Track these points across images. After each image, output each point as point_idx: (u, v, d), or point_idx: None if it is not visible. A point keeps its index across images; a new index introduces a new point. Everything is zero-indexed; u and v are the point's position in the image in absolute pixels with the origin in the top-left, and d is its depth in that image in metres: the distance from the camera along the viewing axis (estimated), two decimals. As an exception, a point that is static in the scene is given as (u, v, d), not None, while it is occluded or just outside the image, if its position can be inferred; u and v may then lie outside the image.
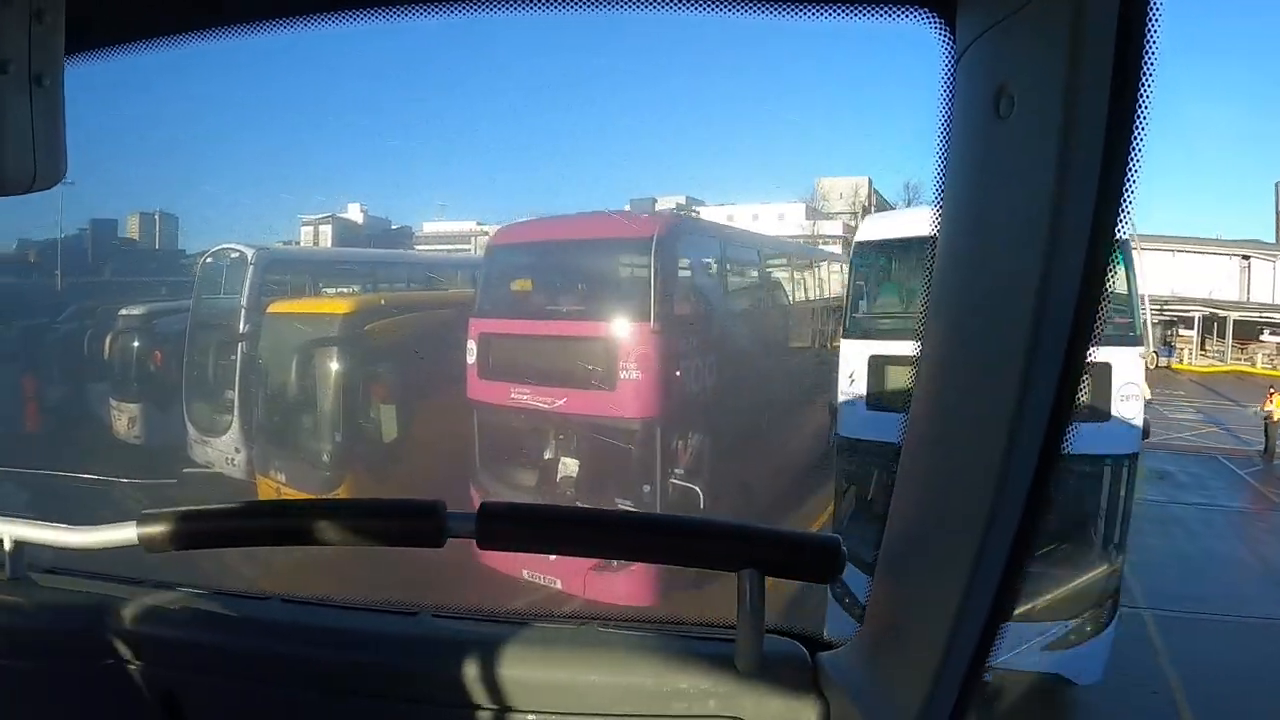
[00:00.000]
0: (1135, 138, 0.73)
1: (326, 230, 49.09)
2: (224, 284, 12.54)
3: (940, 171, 0.89)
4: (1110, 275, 0.78)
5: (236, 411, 11.28)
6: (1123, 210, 0.75)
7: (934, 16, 0.86)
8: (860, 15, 0.90)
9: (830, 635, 1.20)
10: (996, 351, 0.84)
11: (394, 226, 50.88)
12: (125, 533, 1.17)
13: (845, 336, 7.84)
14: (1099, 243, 0.76)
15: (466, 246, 48.14)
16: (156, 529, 1.15)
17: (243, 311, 11.50)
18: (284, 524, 1.21)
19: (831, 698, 1.10)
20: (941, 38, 0.86)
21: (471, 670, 1.15)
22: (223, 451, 11.41)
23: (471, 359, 8.61)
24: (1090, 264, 0.76)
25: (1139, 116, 0.73)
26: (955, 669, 0.91)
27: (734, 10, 0.88)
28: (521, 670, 1.16)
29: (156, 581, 1.35)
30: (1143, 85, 0.72)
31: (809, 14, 0.90)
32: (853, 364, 7.46)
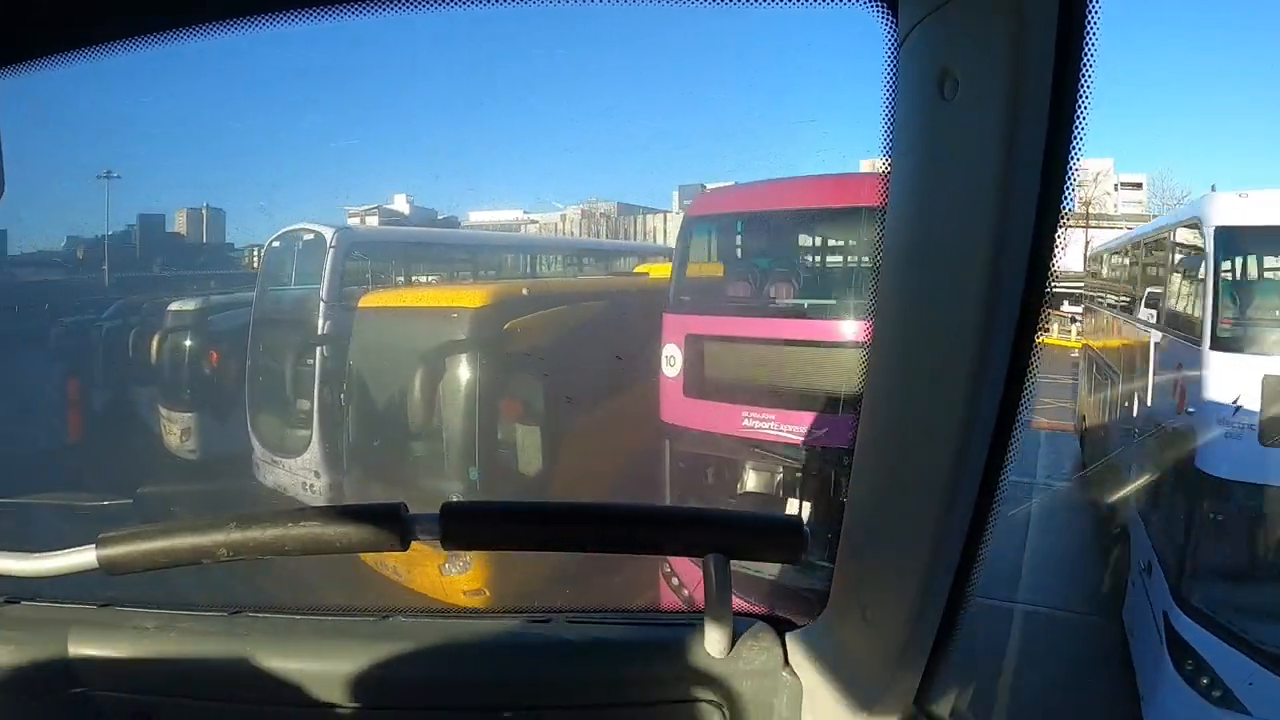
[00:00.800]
0: (1078, 117, 0.76)
1: (372, 222, 48.23)
2: (294, 272, 10.48)
3: (886, 156, 0.88)
4: (1058, 252, 0.80)
5: (316, 428, 9.33)
6: (1068, 188, 0.78)
7: (876, 2, 0.86)
8: (801, 1, 0.95)
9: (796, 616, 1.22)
10: (948, 333, 0.85)
11: (440, 216, 50.18)
12: (85, 557, 1.12)
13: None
14: (1046, 221, 0.78)
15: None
16: (116, 551, 1.11)
17: (322, 306, 9.49)
18: (246, 537, 1.09)
19: (803, 675, 1.12)
20: (884, 23, 0.86)
21: (444, 670, 1.17)
22: (298, 475, 9.45)
23: (673, 370, 6.16)
24: (1038, 244, 0.79)
25: (1082, 96, 0.75)
26: (921, 645, 0.95)
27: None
28: (494, 668, 1.17)
29: (124, 602, 1.31)
30: (1085, 65, 0.74)
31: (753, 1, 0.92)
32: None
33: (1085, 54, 0.73)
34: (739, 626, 1.14)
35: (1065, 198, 0.78)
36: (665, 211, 44.42)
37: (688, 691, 1.13)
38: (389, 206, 51.99)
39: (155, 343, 11.97)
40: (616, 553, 1.17)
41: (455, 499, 6.80)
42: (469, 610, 1.46)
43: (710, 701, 1.13)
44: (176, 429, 11.22)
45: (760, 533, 1.18)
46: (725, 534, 1.11)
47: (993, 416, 0.84)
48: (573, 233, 44.03)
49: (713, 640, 1.11)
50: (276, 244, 10.94)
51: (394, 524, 1.05)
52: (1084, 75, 0.74)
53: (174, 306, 12.05)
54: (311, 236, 10.24)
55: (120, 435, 11.78)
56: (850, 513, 1.06)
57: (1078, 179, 0.79)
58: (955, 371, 0.84)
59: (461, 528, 1.11)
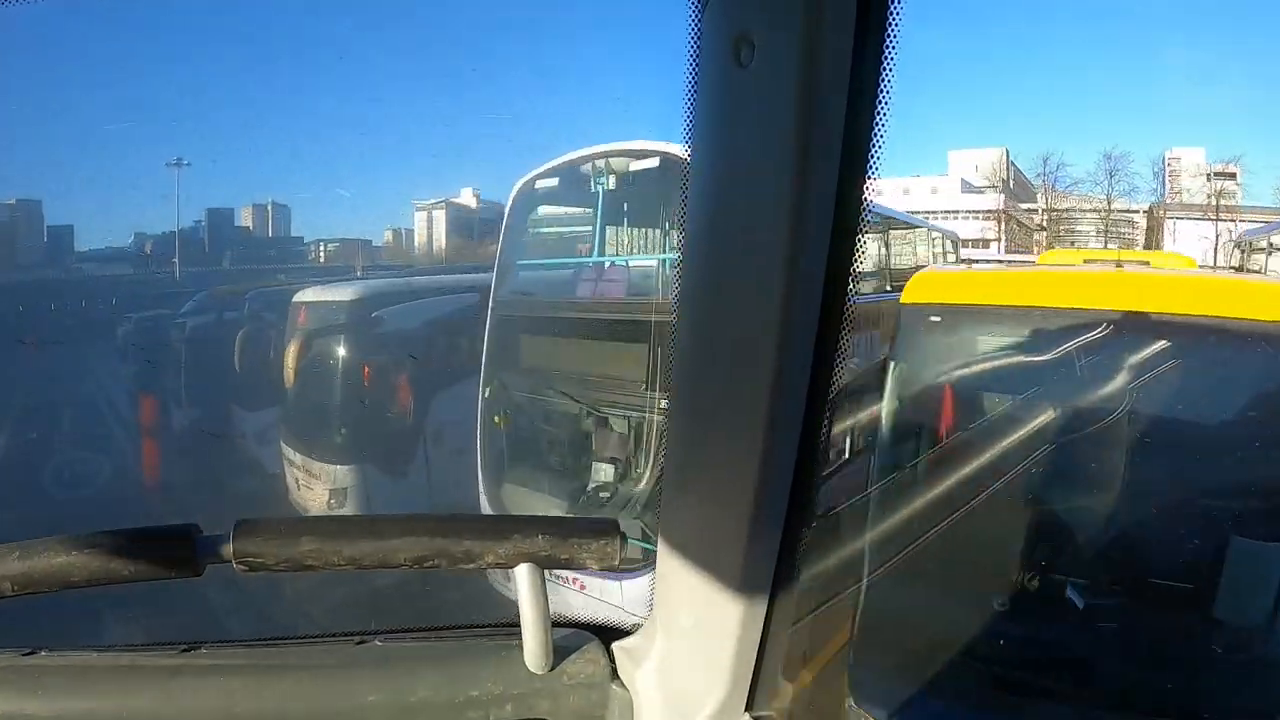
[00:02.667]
0: (882, 85, 0.74)
1: (439, 215, 46.94)
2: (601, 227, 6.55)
3: (688, 127, 0.85)
4: (862, 223, 0.78)
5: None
6: (872, 157, 0.76)
7: None
8: None
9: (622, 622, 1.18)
10: (749, 325, 0.84)
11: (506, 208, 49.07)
12: None
13: None
14: (848, 196, 0.77)
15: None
16: None
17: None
18: (29, 569, 1.00)
19: (632, 686, 1.09)
20: None
21: (250, 704, 1.06)
22: (613, 601, 5.08)
23: None
24: (840, 219, 0.77)
25: (885, 63, 0.73)
26: (746, 649, 0.95)
27: None
28: (305, 698, 1.09)
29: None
30: (889, 31, 0.72)
31: None
32: None
33: (889, 19, 0.71)
34: (562, 638, 1.11)
35: (870, 170, 0.76)
36: None
37: (512, 711, 1.08)
38: (456, 200, 50.64)
39: (280, 350, 8.24)
40: (425, 568, 1.04)
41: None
42: (280, 637, 1.19)
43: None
44: (322, 487, 7.41)
45: (573, 538, 1.07)
46: (535, 542, 1.04)
47: (799, 413, 0.83)
48: None
49: (533, 655, 1.07)
50: (541, 185, 6.82)
51: (184, 548, 0.99)
52: (887, 42, 0.72)
53: (307, 296, 8.40)
54: (649, 163, 6.02)
55: (219, 483, 7.89)
56: (664, 515, 1.04)
57: (883, 147, 0.76)
58: (757, 363, 0.82)
59: (255, 549, 1.02)
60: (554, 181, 7.09)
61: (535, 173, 6.98)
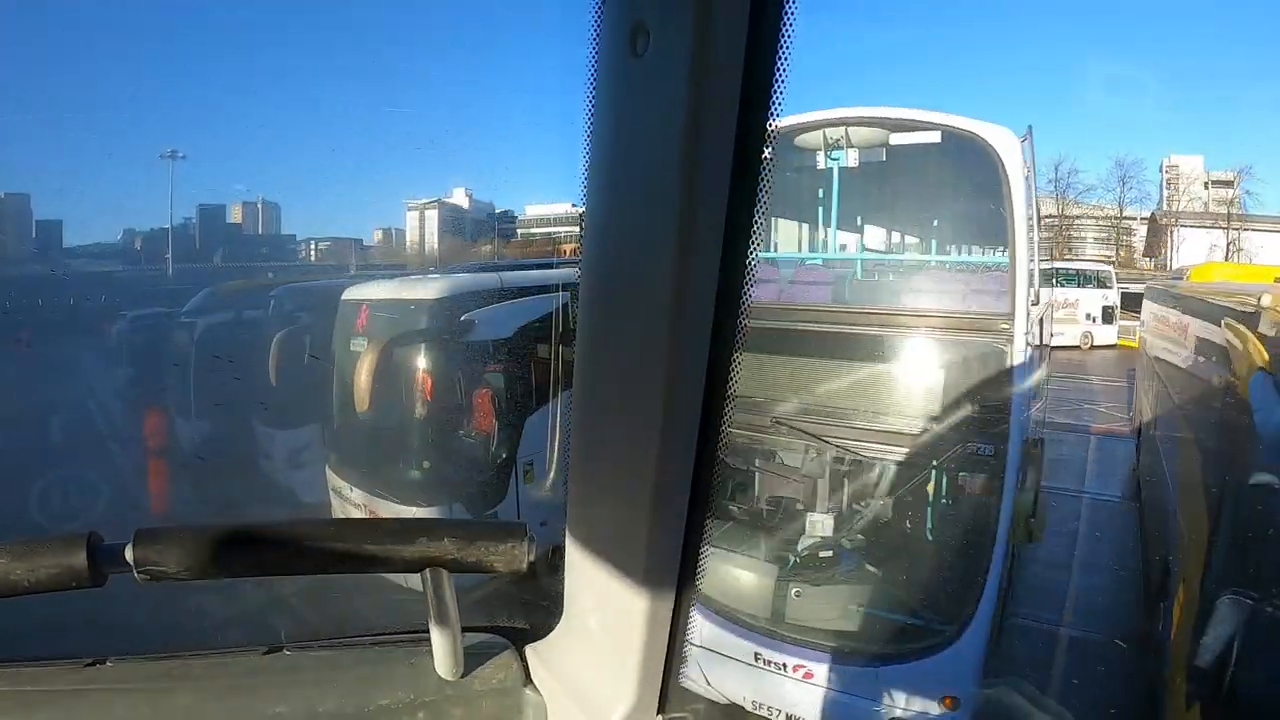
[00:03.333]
0: (777, 73, 0.71)
1: (432, 215, 46.56)
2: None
3: (588, 120, 0.83)
4: (757, 217, 0.76)
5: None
6: (766, 147, 0.73)
7: None
8: None
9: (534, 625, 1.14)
10: (647, 317, 0.82)
11: (497, 210, 48.77)
12: None
13: None
14: (741, 185, 0.74)
15: (571, 228, 45.38)
16: None
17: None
18: None
19: (544, 689, 1.07)
20: None
21: (149, 717, 1.04)
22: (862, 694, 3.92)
23: None
24: (735, 210, 0.74)
25: (780, 53, 0.70)
26: (655, 652, 0.94)
27: None
28: (213, 712, 1.07)
29: None
30: (785, 19, 0.70)
31: None
32: None
33: (785, 12, 0.69)
34: (474, 643, 1.09)
35: (764, 165, 0.73)
36: None
37: (422, 719, 1.05)
38: (448, 200, 50.25)
39: (331, 357, 6.55)
40: (330, 573, 1.01)
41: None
42: (188, 648, 1.11)
43: None
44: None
45: (480, 541, 1.04)
46: (442, 545, 1.01)
47: (696, 409, 0.81)
48: None
49: (443, 661, 1.05)
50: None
51: (84, 557, 0.94)
52: (782, 34, 0.70)
53: (370, 293, 6.59)
54: (924, 138, 4.35)
55: (240, 517, 6.95)
56: (570, 519, 1.01)
57: (775, 141, 0.73)
58: (654, 361, 0.81)
59: (156, 557, 0.98)
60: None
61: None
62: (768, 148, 0.74)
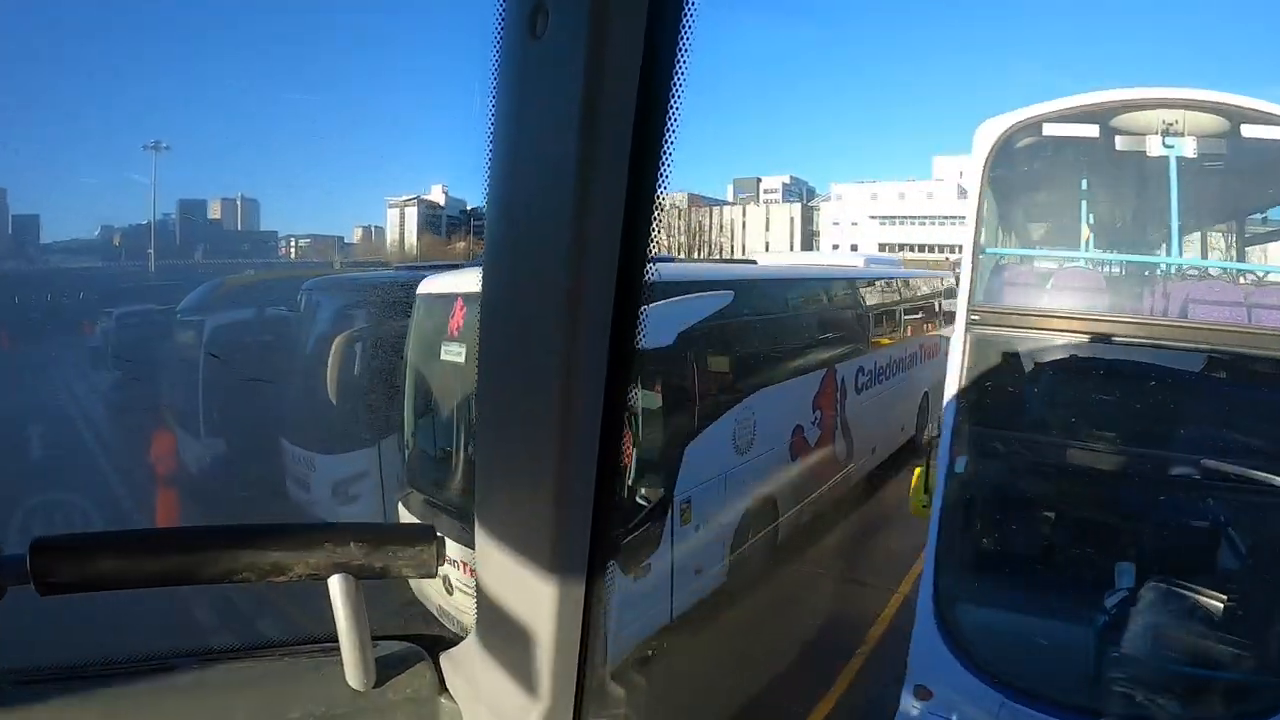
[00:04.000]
0: (679, 58, 0.70)
1: (411, 212, 46.13)
2: None
3: (490, 106, 0.82)
4: (657, 202, 0.75)
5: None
6: (668, 131, 0.72)
7: None
8: None
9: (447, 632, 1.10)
10: (545, 313, 0.81)
11: (469, 207, 48.49)
12: None
13: None
14: (640, 167, 0.72)
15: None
16: None
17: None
18: None
19: (459, 698, 1.06)
20: None
21: None
22: None
23: None
24: (634, 192, 0.73)
25: (682, 36, 0.70)
26: (567, 657, 0.92)
27: None
28: None
29: None
30: (687, 5, 0.70)
31: None
32: None
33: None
34: (387, 651, 1.06)
35: (665, 149, 0.72)
36: (743, 203, 42.11)
37: None
38: (426, 197, 49.65)
39: (422, 371, 5.09)
40: (234, 582, 0.97)
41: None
42: (87, 664, 1.00)
43: None
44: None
45: (388, 545, 1.00)
46: (348, 550, 0.97)
47: (597, 409, 0.81)
48: None
49: (354, 672, 1.00)
50: (1051, 134, 3.93)
51: None
52: (684, 18, 0.70)
53: (461, 286, 4.79)
54: None
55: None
56: (478, 521, 0.99)
57: (679, 119, 0.71)
58: (551, 360, 0.81)
59: (54, 568, 0.94)
60: (1066, 132, 3.91)
61: (1025, 116, 3.92)
62: (668, 136, 0.72)
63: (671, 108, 0.71)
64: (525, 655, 0.95)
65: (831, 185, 38.42)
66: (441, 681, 1.06)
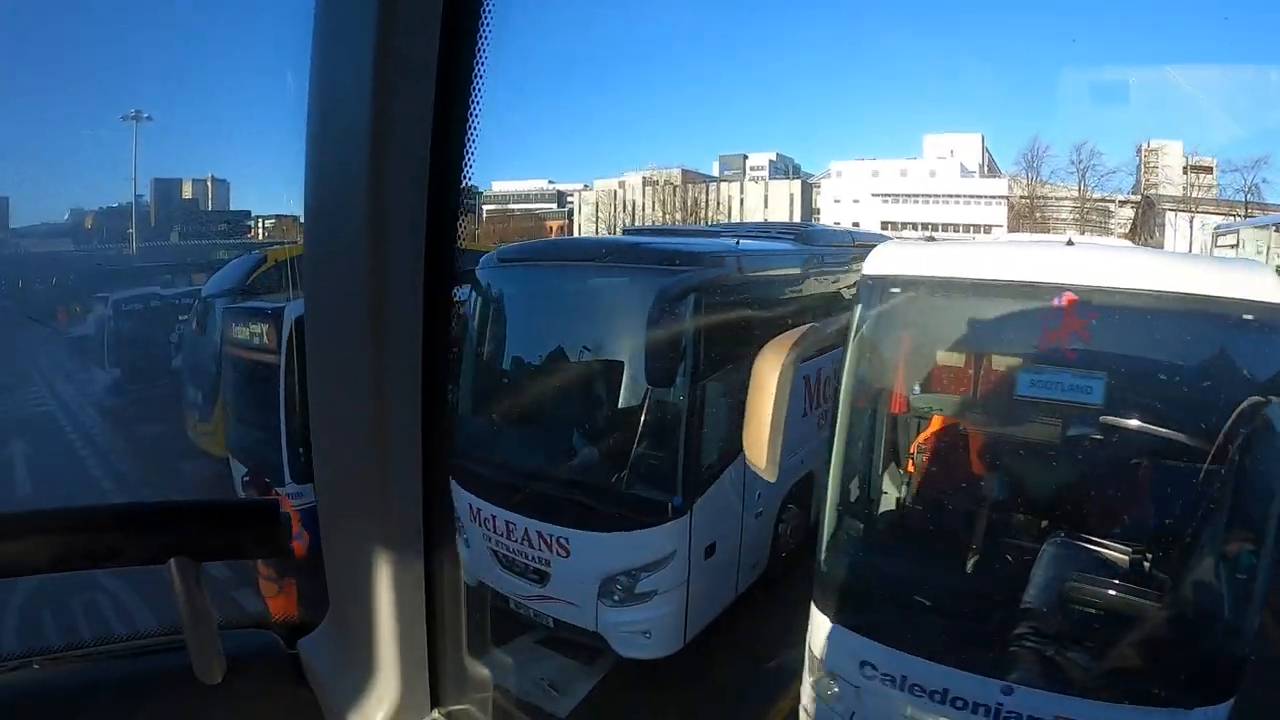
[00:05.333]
0: (481, 34, 0.71)
1: None
2: None
3: (314, 75, 0.80)
4: (465, 162, 0.74)
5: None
6: (473, 105, 0.73)
7: None
8: None
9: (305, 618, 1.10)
10: (355, 314, 0.80)
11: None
12: None
13: None
14: (446, 144, 0.72)
15: (549, 205, 44.03)
16: None
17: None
18: None
19: (316, 687, 1.02)
20: None
21: None
22: None
23: None
24: (436, 181, 0.73)
25: (481, 33, 0.71)
26: (415, 642, 0.93)
27: None
28: None
29: None
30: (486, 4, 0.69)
31: None
32: None
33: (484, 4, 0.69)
34: (238, 641, 1.01)
35: (472, 109, 0.72)
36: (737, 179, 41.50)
37: None
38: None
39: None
40: (60, 572, 0.89)
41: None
42: None
43: None
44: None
45: (229, 525, 0.94)
46: (186, 530, 0.90)
47: (416, 390, 0.80)
48: (635, 202, 40.63)
49: (201, 663, 0.92)
50: None
51: None
52: (483, 16, 0.70)
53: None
54: None
55: None
56: (320, 508, 0.99)
57: (482, 81, 0.72)
58: (365, 352, 0.79)
59: None
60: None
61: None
62: (474, 91, 0.71)
63: (473, 101, 0.72)
64: (374, 642, 0.92)
65: (831, 163, 37.93)
66: (298, 671, 1.01)
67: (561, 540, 4.09)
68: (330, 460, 0.97)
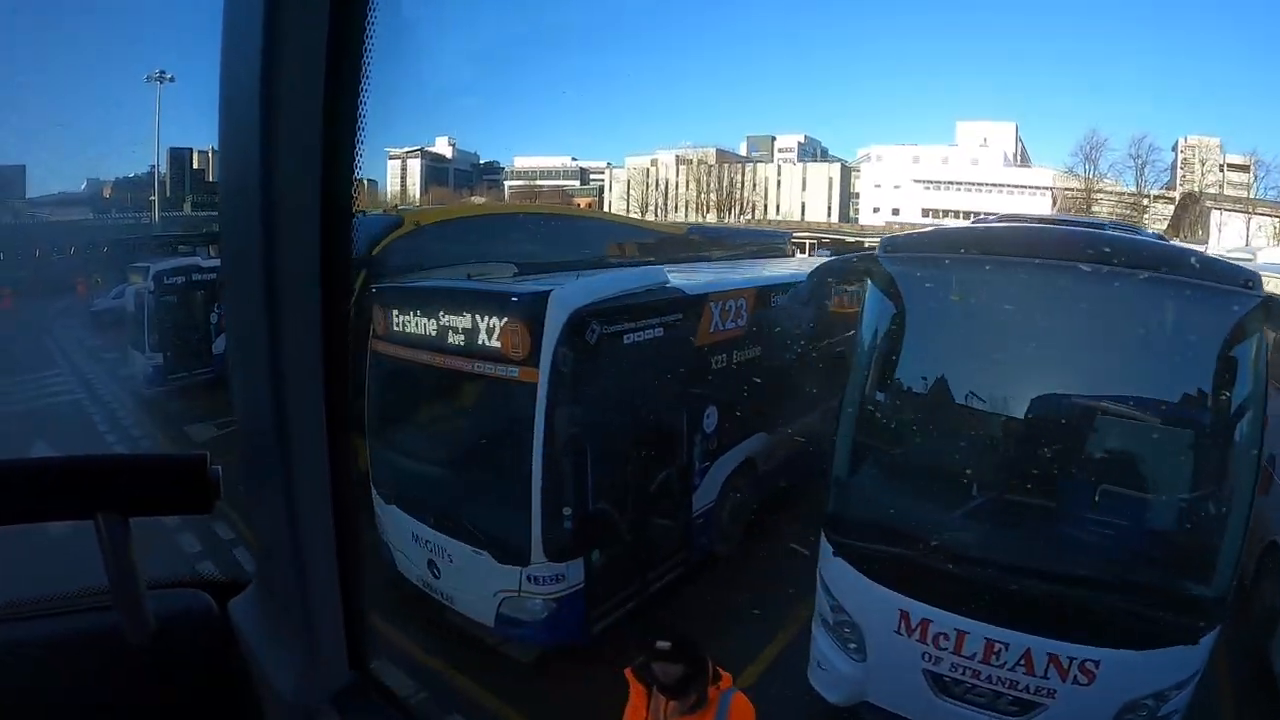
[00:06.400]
0: (368, 27, 0.70)
1: (414, 165, 43.37)
2: None
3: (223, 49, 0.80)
4: (357, 146, 0.74)
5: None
6: (362, 92, 0.72)
7: None
8: None
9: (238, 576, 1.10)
10: (259, 296, 0.81)
11: (481, 161, 45.83)
12: None
13: None
14: (333, 127, 0.72)
15: (571, 182, 42.89)
16: None
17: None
18: None
19: (245, 647, 1.00)
20: None
21: None
22: None
23: None
24: (329, 171, 0.73)
25: (369, 21, 0.70)
26: (331, 605, 0.92)
27: None
28: None
29: None
30: None
31: None
32: None
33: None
34: (168, 600, 0.99)
35: (361, 106, 0.73)
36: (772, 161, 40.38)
37: (110, 697, 0.95)
38: (430, 149, 46.75)
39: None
40: None
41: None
42: None
43: (136, 704, 0.95)
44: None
45: (157, 480, 0.89)
46: (112, 484, 0.86)
47: (317, 361, 0.83)
48: (669, 180, 39.47)
49: (131, 624, 0.88)
50: None
51: None
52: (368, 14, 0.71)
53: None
54: None
55: None
56: (242, 479, 0.96)
57: (370, 61, 0.70)
58: (264, 326, 0.81)
59: None
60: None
61: None
62: (362, 85, 0.70)
63: (362, 88, 0.71)
64: (292, 603, 0.93)
65: (871, 146, 36.80)
66: (230, 631, 1.00)
67: (1088, 663, 2.92)
68: (245, 435, 0.93)
